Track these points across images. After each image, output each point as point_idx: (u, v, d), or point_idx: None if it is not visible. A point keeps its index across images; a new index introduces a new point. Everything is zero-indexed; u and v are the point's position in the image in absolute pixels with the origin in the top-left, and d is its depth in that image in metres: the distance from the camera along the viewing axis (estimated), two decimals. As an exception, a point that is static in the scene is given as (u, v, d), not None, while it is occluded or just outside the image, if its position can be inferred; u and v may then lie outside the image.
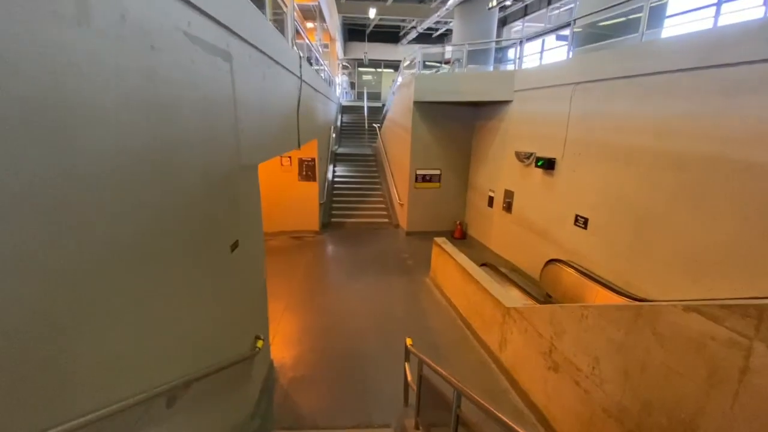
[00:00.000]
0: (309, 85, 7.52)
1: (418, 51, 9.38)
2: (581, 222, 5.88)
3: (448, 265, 6.23)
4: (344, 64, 21.29)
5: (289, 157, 9.12)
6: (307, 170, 9.27)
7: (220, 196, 2.85)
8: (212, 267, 2.71)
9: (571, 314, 3.36)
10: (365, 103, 16.63)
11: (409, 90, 9.20)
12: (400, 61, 12.90)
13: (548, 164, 6.48)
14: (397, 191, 10.68)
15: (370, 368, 4.64)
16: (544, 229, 6.80)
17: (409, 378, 3.71)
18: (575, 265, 5.86)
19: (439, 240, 6.89)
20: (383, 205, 11.36)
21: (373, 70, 22.51)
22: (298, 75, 6.20)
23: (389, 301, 6.38)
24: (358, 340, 5.22)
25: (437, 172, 9.65)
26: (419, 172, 9.54)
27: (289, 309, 6.02)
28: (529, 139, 7.18)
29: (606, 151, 5.38)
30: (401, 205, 10.27)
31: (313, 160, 9.22)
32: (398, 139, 10.80)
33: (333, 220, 10.68)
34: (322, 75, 10.65)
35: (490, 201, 8.75)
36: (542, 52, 8.77)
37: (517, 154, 7.37)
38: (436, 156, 9.54)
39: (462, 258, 5.96)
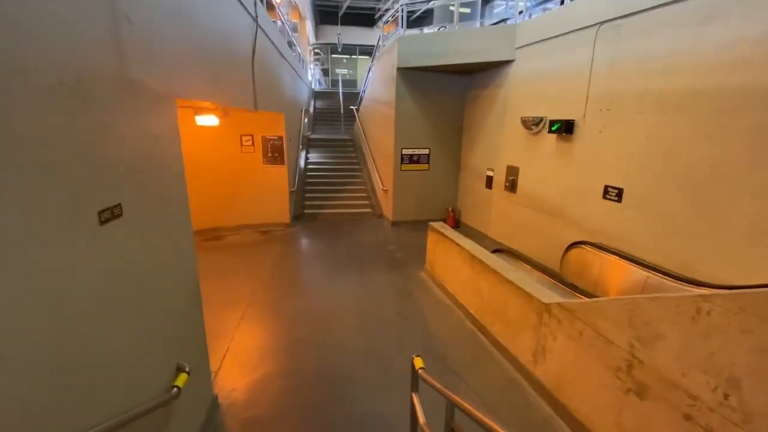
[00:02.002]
0: (270, 40, 6.12)
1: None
2: (613, 194, 4.75)
3: (451, 254, 4.97)
4: (316, 50, 19.79)
5: (251, 136, 7.64)
6: (274, 151, 7.82)
7: (79, 125, 1.48)
8: (65, 246, 1.34)
9: (676, 309, 2.14)
10: (340, 89, 15.24)
11: (392, 56, 7.92)
12: (375, 46, 11.51)
13: (565, 128, 5.34)
14: (380, 176, 9.37)
15: (358, 399, 3.30)
16: (560, 208, 5.66)
17: (421, 419, 2.40)
18: (610, 248, 4.72)
19: (437, 224, 5.63)
20: (364, 194, 10.03)
21: (347, 56, 21.11)
22: (252, 15, 4.79)
23: (378, 302, 5.05)
24: (339, 356, 3.88)
25: (425, 151, 8.40)
26: (405, 151, 8.27)
27: (249, 318, 4.60)
28: (538, 101, 6.03)
29: (647, 100, 4.26)
30: (385, 191, 8.97)
31: (281, 139, 7.78)
32: (380, 117, 9.50)
33: (306, 211, 9.25)
34: (293, 53, 9.23)
35: (489, 181, 7.58)
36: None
37: (524, 122, 6.21)
38: (424, 133, 8.30)
39: (470, 244, 4.72)
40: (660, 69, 4.10)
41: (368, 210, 9.54)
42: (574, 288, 4.27)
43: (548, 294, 3.37)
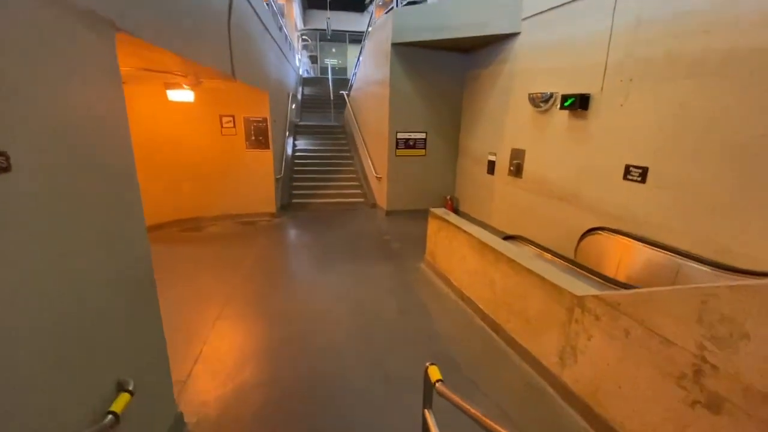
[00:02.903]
0: (253, 8, 5.48)
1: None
2: (635, 174, 4.26)
3: (456, 242, 4.44)
4: (304, 36, 18.99)
5: (232, 117, 6.97)
6: (258, 134, 7.17)
7: None
8: None
9: (776, 302, 1.64)
10: (329, 75, 14.56)
11: (386, 30, 7.31)
12: (365, 30, 10.81)
13: (580, 103, 4.82)
14: (373, 164, 8.78)
15: (354, 412, 2.75)
16: (573, 192, 5.16)
17: (438, 444, 1.86)
18: (632, 234, 4.24)
19: (438, 210, 5.09)
20: (356, 182, 9.44)
21: (337, 43, 20.34)
22: (228, -33, 4.14)
23: (375, 298, 4.50)
24: (332, 361, 3.32)
25: (422, 135, 7.83)
26: (401, 135, 7.69)
27: (227, 318, 4.00)
28: (548, 76, 5.51)
29: (681, 65, 3.76)
30: (379, 179, 8.39)
31: (265, 121, 7.13)
32: (373, 99, 8.90)
33: (295, 201, 8.63)
34: (280, 33, 8.54)
35: (491, 166, 7.06)
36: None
37: (532, 99, 5.69)
38: (420, 116, 7.73)
39: (478, 230, 4.19)
40: (698, 27, 3.60)
41: (361, 200, 8.96)
42: (612, 281, 3.73)
43: (581, 285, 2.85)
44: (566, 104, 5.02)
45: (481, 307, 3.95)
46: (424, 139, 7.87)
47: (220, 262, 5.49)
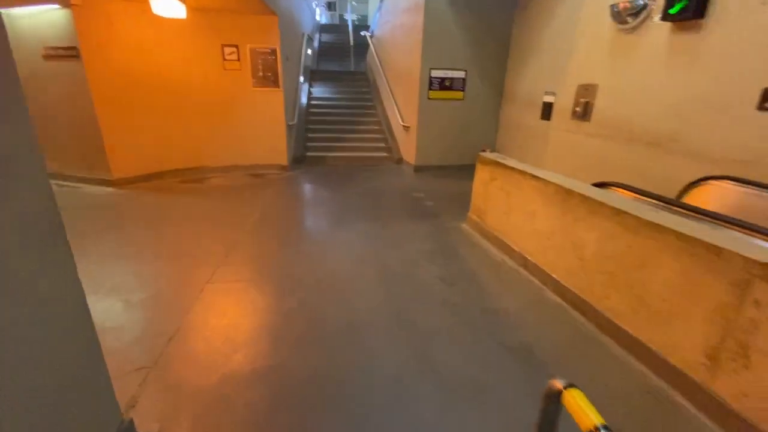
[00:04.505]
0: None
1: None
2: (782, 101, 3.00)
3: (520, 193, 3.35)
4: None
5: (236, 48, 5.85)
6: (266, 69, 6.05)
7: None
8: None
9: None
10: (349, 19, 13.06)
11: (421, -62, 5.90)
12: None
13: (695, 5, 3.49)
14: (399, 112, 7.58)
15: (388, 424, 1.82)
16: (670, 134, 3.92)
17: None
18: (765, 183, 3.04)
19: (491, 154, 3.98)
20: (380, 135, 8.29)
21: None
22: None
23: (407, 262, 3.51)
24: (354, 347, 2.38)
25: (461, 74, 6.55)
26: (435, 74, 6.43)
27: (218, 282, 3.10)
28: (642, -22, 4.12)
29: None
30: (406, 128, 7.22)
31: (274, 53, 5.99)
32: (402, 33, 7.57)
33: (309, 153, 7.59)
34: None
35: (546, 111, 5.79)
36: None
37: (616, 13, 4.33)
38: (459, 51, 6.41)
39: (555, 175, 3.08)
40: None
41: (384, 154, 7.85)
42: None
43: (761, 247, 1.76)
44: (672, 11, 3.68)
45: (557, 278, 2.91)
46: (463, 80, 6.59)
47: (219, 217, 4.58)
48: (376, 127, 8.45)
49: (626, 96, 4.45)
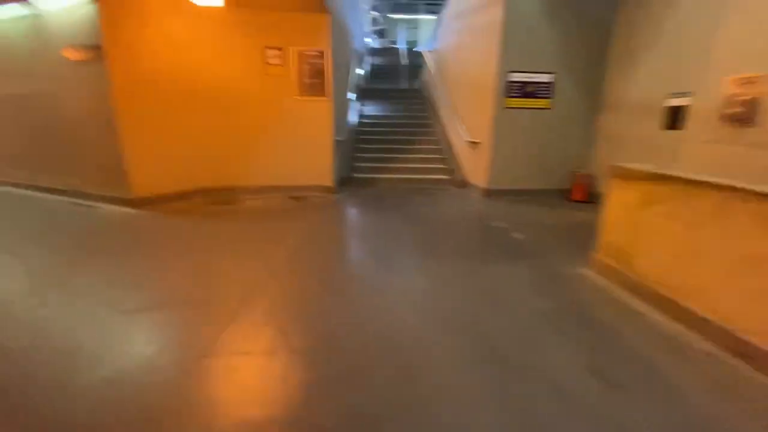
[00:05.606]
0: None
1: None
2: None
3: (722, 221, 1.96)
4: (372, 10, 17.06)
5: (279, 50, 5.05)
6: (313, 74, 5.18)
7: None
8: None
9: None
10: (401, 40, 12.43)
11: None
12: (443, 3, 8.44)
13: None
14: (466, 127, 6.40)
15: None
16: None
17: None
18: None
19: (639, 165, 2.63)
20: (438, 155, 7.13)
21: (408, 17, 18.13)
22: None
23: (520, 335, 2.17)
24: None
25: (549, 79, 5.30)
26: (515, 77, 5.24)
27: (220, 355, 1.95)
28: None
29: None
30: (474, 145, 6.00)
31: (322, 55, 5.12)
32: (470, 38, 6.55)
33: (357, 174, 6.57)
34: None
35: (673, 116, 4.36)
36: None
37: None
38: (545, 49, 5.21)
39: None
40: None
41: (444, 176, 6.64)
42: None
43: None
44: None
45: None
46: (550, 85, 5.33)
47: (244, 249, 3.53)
48: (433, 147, 7.32)
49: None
